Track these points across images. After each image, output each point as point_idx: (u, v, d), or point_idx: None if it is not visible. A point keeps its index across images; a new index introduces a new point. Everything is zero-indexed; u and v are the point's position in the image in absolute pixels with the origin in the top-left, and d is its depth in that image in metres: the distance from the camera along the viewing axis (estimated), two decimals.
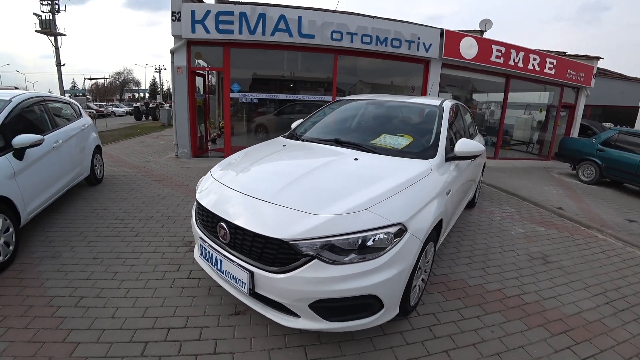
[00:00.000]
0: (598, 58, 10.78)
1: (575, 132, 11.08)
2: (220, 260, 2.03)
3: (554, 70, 9.65)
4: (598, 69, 11.12)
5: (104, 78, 51.72)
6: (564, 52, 10.45)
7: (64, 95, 7.64)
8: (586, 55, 10.72)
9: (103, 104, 35.96)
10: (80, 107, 5.27)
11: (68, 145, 4.22)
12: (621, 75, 15.00)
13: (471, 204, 4.96)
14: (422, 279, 2.48)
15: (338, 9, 7.67)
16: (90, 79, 51.15)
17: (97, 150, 5.26)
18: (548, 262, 3.51)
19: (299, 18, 7.06)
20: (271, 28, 6.99)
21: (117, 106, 35.62)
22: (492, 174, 7.76)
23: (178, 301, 2.41)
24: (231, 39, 6.99)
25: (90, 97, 48.86)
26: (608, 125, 13.48)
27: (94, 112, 23.09)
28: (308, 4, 7.30)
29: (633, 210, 5.86)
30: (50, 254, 3.00)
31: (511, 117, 11.21)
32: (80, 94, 43.19)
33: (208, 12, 6.71)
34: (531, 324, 2.45)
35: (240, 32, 6.92)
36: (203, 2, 7.48)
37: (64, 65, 28.67)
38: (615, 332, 2.46)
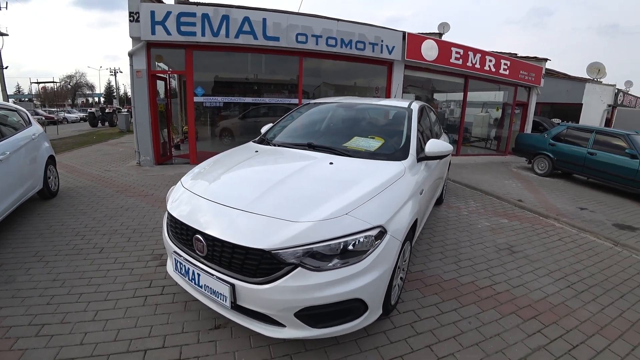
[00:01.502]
0: (546, 59, 11.60)
1: (528, 128, 11.84)
2: (198, 275, 1.94)
3: (508, 71, 10.26)
4: (546, 69, 11.97)
5: (53, 82, 47.91)
6: (516, 54, 11.14)
7: (8, 101, 7.01)
8: (535, 57, 11.50)
9: (53, 109, 33.38)
10: (29, 114, 4.86)
11: (17, 157, 3.87)
12: (566, 75, 16.24)
13: (439, 201, 5.14)
14: (401, 278, 2.53)
15: (302, 12, 7.66)
16: (38, 82, 46.98)
17: (51, 160, 4.88)
18: (514, 252, 3.71)
19: (264, 20, 6.97)
20: (235, 30, 6.84)
21: (69, 112, 33.23)
22: (455, 170, 8.11)
23: (153, 319, 2.28)
24: (194, 41, 6.76)
25: (38, 103, 45.32)
26: (556, 121, 14.55)
27: (43, 118, 21.46)
28: (270, 6, 7.23)
29: (583, 199, 6.37)
30: (3, 278, 2.72)
31: (469, 115, 11.78)
32: (27, 99, 39.91)
33: (169, 13, 6.44)
34: (504, 312, 2.58)
35: (203, 34, 6.71)
36: (163, 2, 7.18)
37: (6, 67, 26.22)
38: (578, 313, 2.66)
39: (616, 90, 15.09)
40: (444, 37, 11.34)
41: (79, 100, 56.65)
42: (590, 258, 3.75)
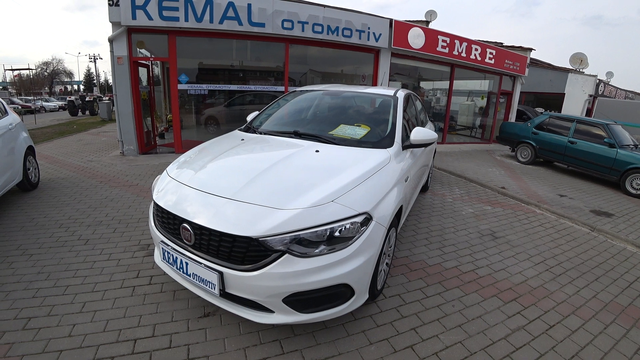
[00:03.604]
0: (531, 49, 11.76)
1: (513, 117, 12.06)
2: (186, 263, 1.94)
3: (493, 60, 10.37)
4: (530, 59, 12.14)
5: (28, 69, 45.77)
6: (501, 43, 11.27)
7: None
8: (521, 47, 11.64)
9: (30, 98, 32.07)
10: (4, 103, 4.68)
11: None
12: (549, 65, 16.50)
13: (424, 188, 5.23)
14: (387, 263, 2.58)
15: None
16: (12, 69, 44.81)
17: (30, 151, 4.72)
18: (496, 238, 3.83)
19: (249, 5, 6.82)
20: (219, 15, 6.68)
21: (47, 100, 31.98)
22: (441, 158, 8.23)
23: (141, 309, 2.28)
24: (177, 26, 6.57)
25: (14, 91, 43.46)
26: (540, 110, 14.85)
27: (20, 107, 20.64)
28: None
29: (563, 186, 6.57)
30: None
31: (455, 103, 11.91)
32: (1, 87, 38.21)
33: None
34: (486, 295, 2.68)
35: (187, 20, 6.52)
36: None
37: None
38: (555, 295, 2.79)
39: (597, 81, 15.45)
40: (431, 25, 11.35)
41: (57, 88, 54.47)
42: (568, 243, 3.90)
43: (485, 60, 10.22)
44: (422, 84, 13.01)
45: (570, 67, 15.91)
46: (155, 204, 2.20)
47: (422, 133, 2.91)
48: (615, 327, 2.43)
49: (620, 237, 4.14)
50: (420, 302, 2.54)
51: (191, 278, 1.95)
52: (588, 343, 2.24)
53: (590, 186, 6.83)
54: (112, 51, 6.62)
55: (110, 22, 6.40)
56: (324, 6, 7.58)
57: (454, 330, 2.25)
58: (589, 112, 15.40)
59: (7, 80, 49.70)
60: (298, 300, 1.80)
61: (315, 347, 2.02)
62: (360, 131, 2.94)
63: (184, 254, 1.96)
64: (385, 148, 2.68)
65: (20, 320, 2.15)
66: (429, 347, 2.09)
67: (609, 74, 19.75)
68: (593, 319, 2.51)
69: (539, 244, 3.79)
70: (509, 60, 10.88)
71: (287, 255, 1.74)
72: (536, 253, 3.54)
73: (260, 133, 3.12)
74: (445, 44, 9.25)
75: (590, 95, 15.30)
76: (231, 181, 2.10)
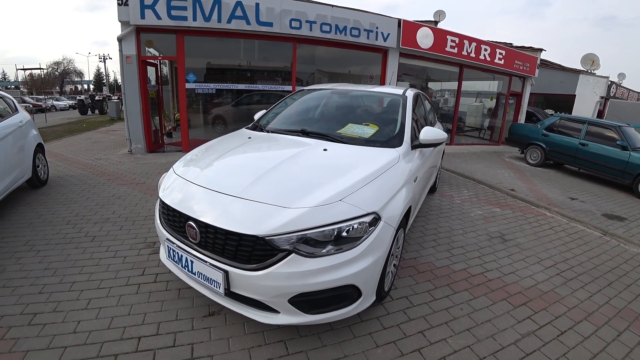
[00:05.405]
0: (541, 50, 11.59)
1: (522, 119, 11.90)
2: (191, 262, 1.93)
3: (503, 60, 10.23)
4: (541, 60, 11.97)
5: (40, 68, 46.42)
6: (511, 44, 11.12)
7: None
8: (531, 47, 11.48)
9: (41, 97, 32.53)
10: (15, 101, 4.73)
11: (4, 145, 3.77)
12: (560, 66, 16.26)
13: (433, 189, 5.16)
14: (394, 265, 2.54)
15: None
16: (24, 69, 45.42)
17: (39, 148, 4.77)
18: (505, 241, 3.76)
19: (257, 5, 6.82)
20: (227, 15, 6.69)
21: (57, 99, 32.45)
22: (449, 159, 8.14)
23: (146, 307, 2.27)
24: (185, 25, 6.60)
25: (25, 90, 44.13)
26: (550, 112, 14.63)
27: (31, 106, 20.94)
28: None
29: (573, 189, 6.45)
30: None
31: (463, 104, 11.78)
32: (13, 87, 38.86)
33: None
34: (495, 299, 2.63)
35: (195, 19, 6.55)
36: None
37: None
38: (567, 300, 2.72)
39: (609, 82, 15.18)
40: (440, 25, 11.26)
41: (68, 88, 55.22)
42: (580, 247, 3.82)
43: (495, 61, 10.10)
44: (430, 85, 12.91)
45: (582, 69, 15.66)
46: (161, 202, 2.19)
47: (432, 133, 2.87)
48: (629, 335, 2.36)
49: (633, 241, 4.03)
50: (428, 304, 2.49)
51: (196, 276, 1.94)
52: (601, 350, 2.18)
53: (601, 189, 6.70)
54: (121, 50, 6.67)
55: (119, 21, 6.45)
56: (332, 6, 7.56)
57: (462, 334, 2.20)
58: (600, 114, 15.14)
59: (19, 80, 50.47)
60: (304, 301, 1.77)
61: (321, 348, 1.99)
62: (368, 130, 2.90)
63: (189, 252, 1.94)
64: (394, 147, 2.64)
65: (26, 315, 2.15)
66: (436, 350, 2.05)
67: (621, 76, 19.41)
68: (606, 325, 2.44)
69: (550, 247, 3.71)
70: (518, 61, 10.73)
71: (293, 254, 1.71)
72: (547, 257, 3.47)
73: (268, 131, 3.10)
74: (454, 44, 9.16)
75: (602, 97, 15.04)
76: (237, 179, 2.08)
